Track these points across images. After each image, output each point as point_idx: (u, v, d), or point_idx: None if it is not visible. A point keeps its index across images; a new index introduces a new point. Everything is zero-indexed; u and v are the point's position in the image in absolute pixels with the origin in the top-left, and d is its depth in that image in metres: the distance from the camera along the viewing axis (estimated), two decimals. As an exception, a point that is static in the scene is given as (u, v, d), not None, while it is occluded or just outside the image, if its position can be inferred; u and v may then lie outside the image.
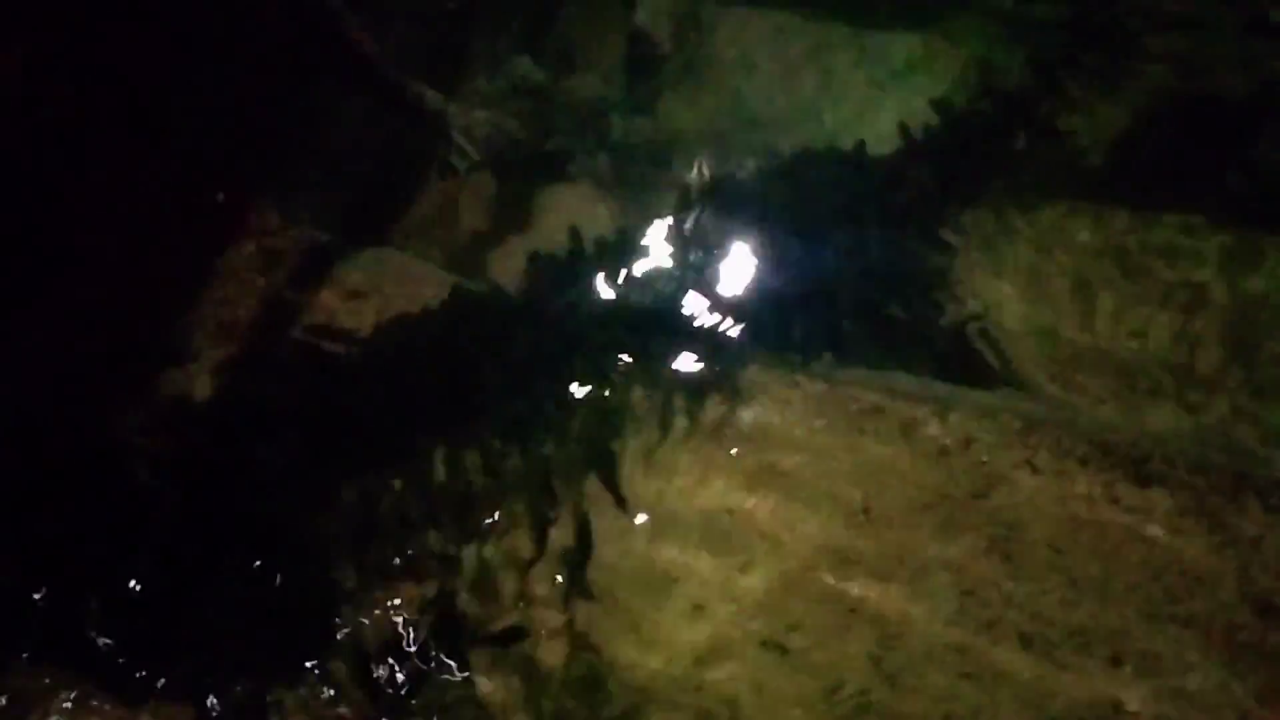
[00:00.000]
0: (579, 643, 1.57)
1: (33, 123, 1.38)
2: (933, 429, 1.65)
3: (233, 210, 1.72)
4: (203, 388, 1.72)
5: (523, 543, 1.65)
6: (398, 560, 1.62)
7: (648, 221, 2.10)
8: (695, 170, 2.24)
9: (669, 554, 1.62)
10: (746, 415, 1.72)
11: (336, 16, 1.64)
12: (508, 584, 1.62)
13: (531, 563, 1.62)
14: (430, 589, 1.63)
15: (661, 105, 2.52)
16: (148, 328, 1.74)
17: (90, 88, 1.42)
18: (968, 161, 2.23)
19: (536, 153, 2.23)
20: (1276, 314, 1.89)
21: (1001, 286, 2.10)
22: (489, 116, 2.15)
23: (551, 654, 1.56)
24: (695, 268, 1.98)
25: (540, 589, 1.62)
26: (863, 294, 2.04)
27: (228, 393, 1.76)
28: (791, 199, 2.16)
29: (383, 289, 1.84)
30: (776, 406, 1.72)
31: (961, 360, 2.02)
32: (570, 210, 2.17)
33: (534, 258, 1.92)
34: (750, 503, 1.64)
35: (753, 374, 1.76)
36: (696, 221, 2.07)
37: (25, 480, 1.50)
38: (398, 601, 1.60)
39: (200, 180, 1.68)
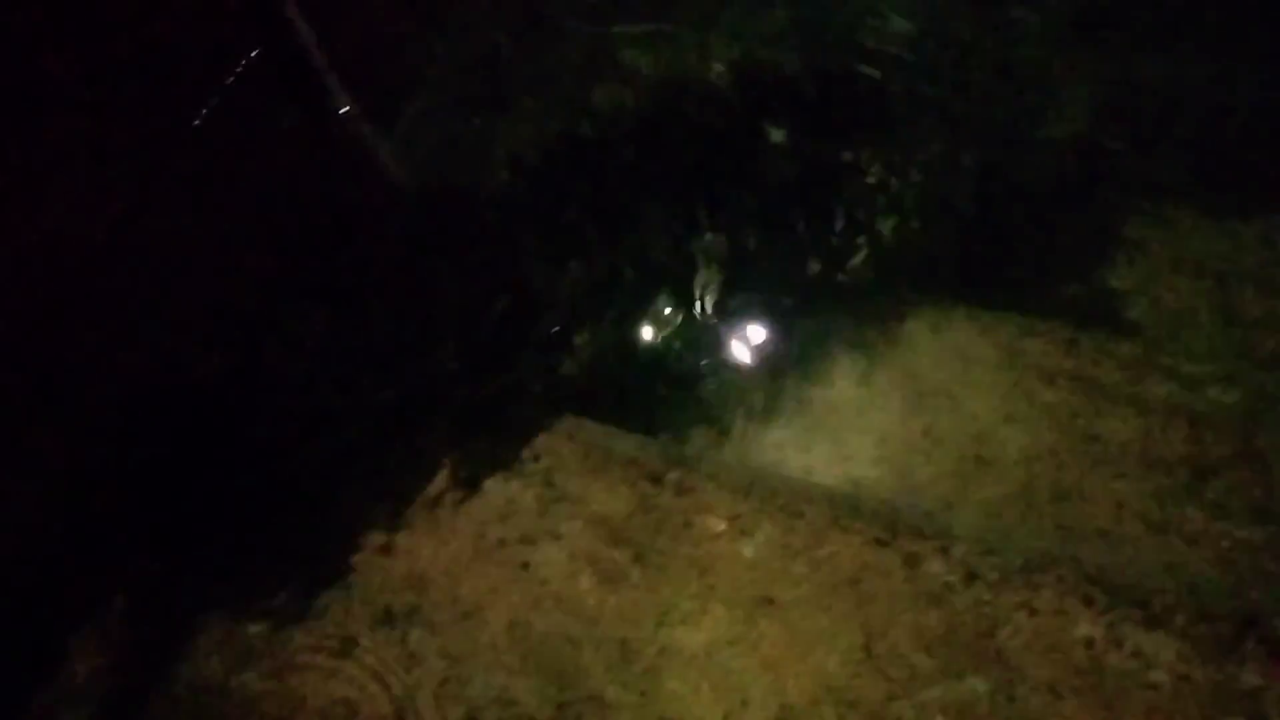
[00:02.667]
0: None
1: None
2: (935, 565, 1.66)
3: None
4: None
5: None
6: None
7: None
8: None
9: (668, 685, 1.61)
10: (749, 544, 1.73)
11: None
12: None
13: None
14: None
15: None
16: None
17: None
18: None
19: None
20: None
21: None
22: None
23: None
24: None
25: None
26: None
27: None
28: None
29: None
30: (780, 534, 1.74)
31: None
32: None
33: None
34: (753, 634, 1.64)
35: (756, 500, 1.78)
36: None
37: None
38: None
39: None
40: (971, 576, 1.64)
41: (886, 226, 2.34)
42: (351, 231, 1.90)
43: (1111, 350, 2.14)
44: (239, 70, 1.52)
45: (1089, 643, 1.55)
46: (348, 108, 1.64)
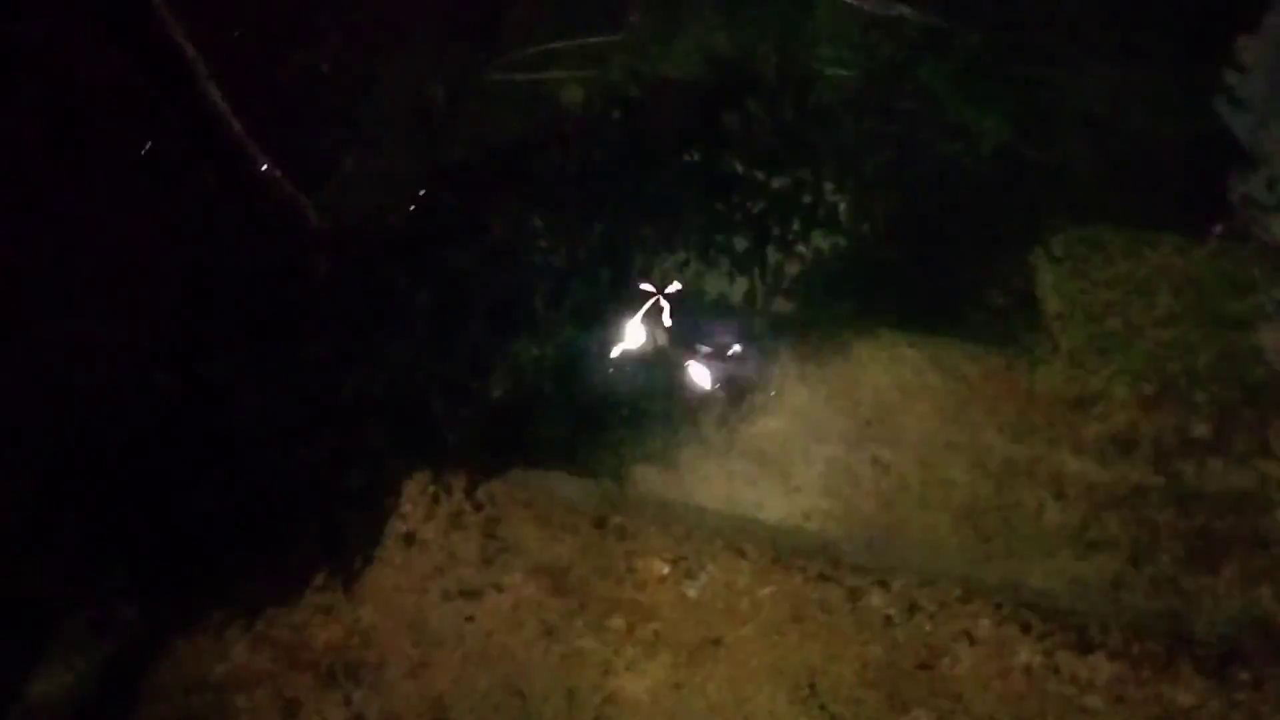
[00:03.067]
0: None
1: None
2: (876, 599, 1.68)
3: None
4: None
5: None
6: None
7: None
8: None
9: (618, 733, 1.61)
10: (693, 586, 1.73)
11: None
12: None
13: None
14: None
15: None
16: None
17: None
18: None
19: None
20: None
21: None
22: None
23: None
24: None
25: None
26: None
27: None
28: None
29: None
30: (723, 575, 1.74)
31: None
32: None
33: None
34: (698, 677, 1.65)
35: (699, 541, 1.79)
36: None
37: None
38: None
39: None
40: (912, 608, 1.66)
41: (824, 247, 2.39)
42: (278, 283, 1.91)
43: (1047, 369, 2.17)
44: (161, 136, 1.53)
45: (1027, 669, 1.57)
46: (266, 168, 1.64)
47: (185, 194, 1.69)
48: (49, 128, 1.52)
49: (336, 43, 2.00)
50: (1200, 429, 1.96)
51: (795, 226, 2.43)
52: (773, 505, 2.07)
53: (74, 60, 1.45)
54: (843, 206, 2.43)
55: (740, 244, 2.40)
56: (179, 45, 1.33)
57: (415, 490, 1.87)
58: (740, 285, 2.35)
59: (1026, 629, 1.60)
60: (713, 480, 2.11)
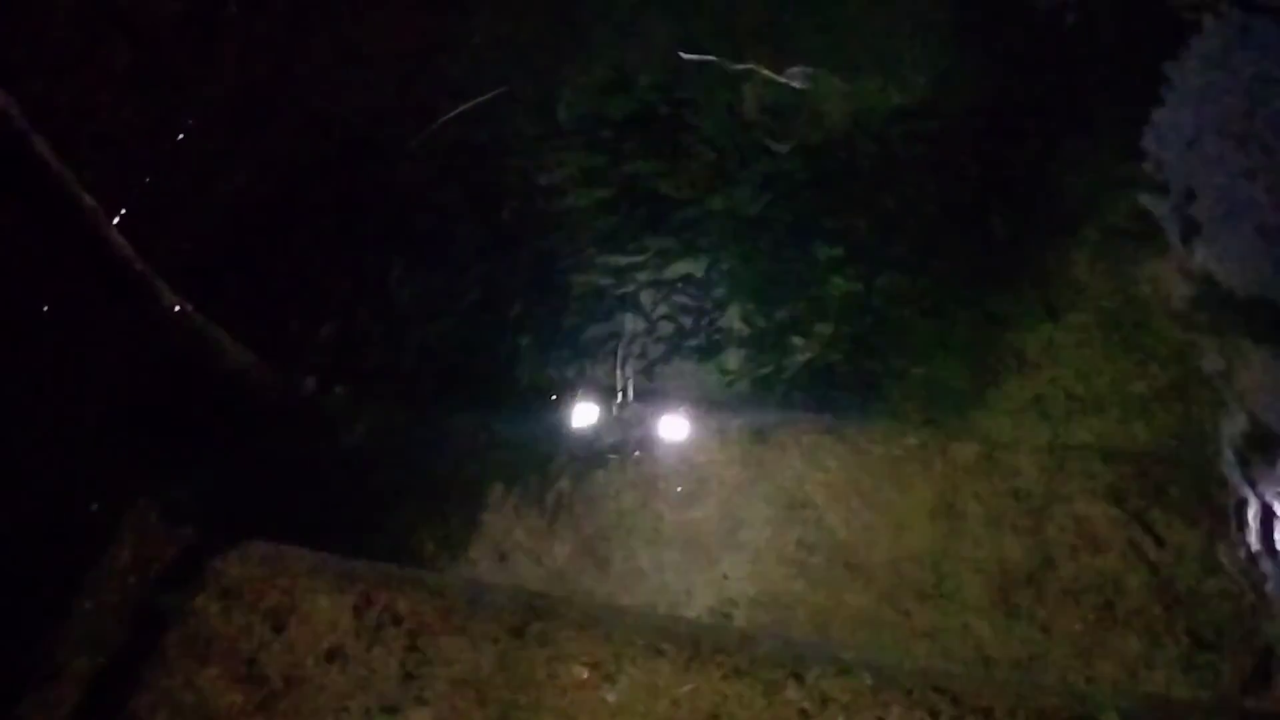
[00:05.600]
0: None
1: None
2: (791, 692, 1.70)
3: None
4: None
5: None
6: None
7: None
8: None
9: (541, 845, 1.61)
10: (613, 689, 1.75)
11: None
12: None
13: None
14: None
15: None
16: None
17: None
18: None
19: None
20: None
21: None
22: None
23: None
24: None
25: None
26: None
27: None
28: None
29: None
30: (642, 675, 1.76)
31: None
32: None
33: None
34: (620, 782, 1.65)
35: (618, 643, 1.81)
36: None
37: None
38: None
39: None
40: (826, 700, 1.68)
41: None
42: (201, 416, 1.96)
43: (961, 448, 2.24)
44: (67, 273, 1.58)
45: (937, 758, 1.59)
46: (178, 306, 1.69)
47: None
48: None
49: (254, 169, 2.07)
50: (1110, 509, 2.04)
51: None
52: (702, 594, 2.10)
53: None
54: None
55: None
56: (77, 196, 1.38)
57: (336, 605, 1.87)
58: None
59: (936, 715, 1.63)
60: (645, 572, 2.15)
